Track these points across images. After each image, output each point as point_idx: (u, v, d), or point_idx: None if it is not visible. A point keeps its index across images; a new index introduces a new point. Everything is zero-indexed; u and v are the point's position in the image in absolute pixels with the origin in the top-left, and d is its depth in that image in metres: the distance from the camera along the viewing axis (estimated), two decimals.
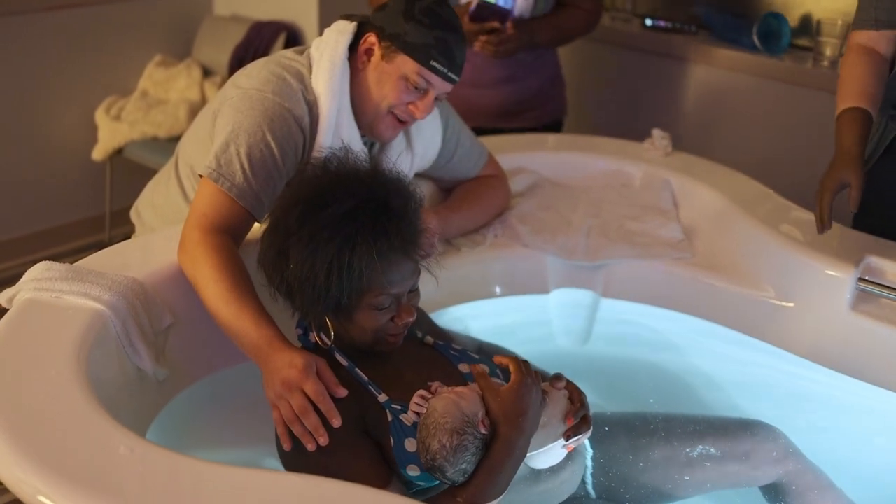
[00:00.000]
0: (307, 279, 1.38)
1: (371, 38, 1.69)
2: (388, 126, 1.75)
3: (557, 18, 2.58)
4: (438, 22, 1.64)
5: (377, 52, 1.69)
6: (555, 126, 2.78)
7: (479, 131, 2.23)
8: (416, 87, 1.68)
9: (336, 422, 1.37)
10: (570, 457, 1.50)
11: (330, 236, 1.35)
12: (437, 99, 1.72)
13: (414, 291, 1.47)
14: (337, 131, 1.72)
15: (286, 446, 1.39)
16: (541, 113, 2.72)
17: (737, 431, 1.66)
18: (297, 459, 1.39)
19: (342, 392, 1.41)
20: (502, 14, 2.43)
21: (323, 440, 1.36)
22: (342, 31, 1.73)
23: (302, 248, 1.37)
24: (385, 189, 1.41)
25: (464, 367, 1.54)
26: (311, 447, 1.37)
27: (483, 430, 1.35)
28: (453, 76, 1.68)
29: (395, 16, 1.66)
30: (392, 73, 1.68)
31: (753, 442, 1.64)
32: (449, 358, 1.56)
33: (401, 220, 1.39)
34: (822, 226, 1.73)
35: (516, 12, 2.49)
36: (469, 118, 2.59)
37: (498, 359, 1.44)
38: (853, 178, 1.73)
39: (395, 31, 1.66)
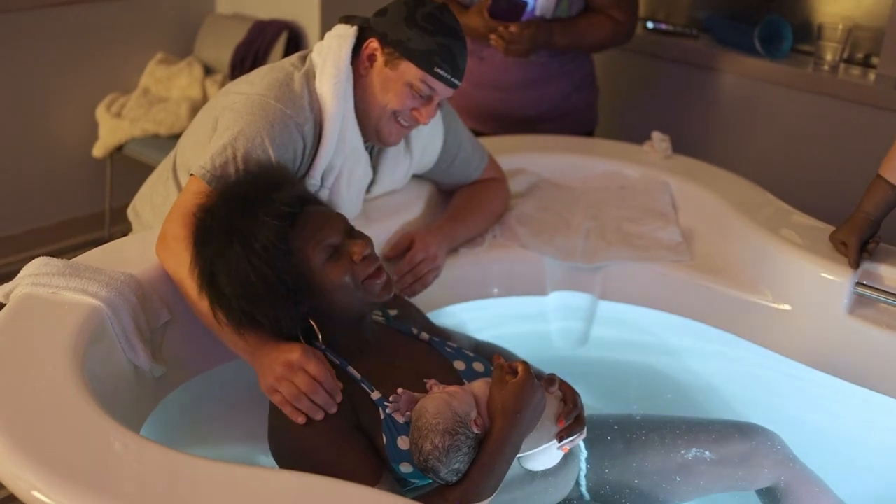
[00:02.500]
0: (248, 292, 1.40)
1: (373, 44, 1.69)
2: (391, 131, 1.74)
3: (580, 23, 2.45)
4: (441, 28, 1.64)
5: (380, 58, 1.68)
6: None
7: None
8: (419, 94, 1.68)
9: (339, 397, 1.40)
10: (564, 458, 1.50)
11: (228, 245, 1.40)
12: (438, 104, 1.72)
13: (354, 238, 1.49)
14: (342, 136, 1.72)
15: (300, 420, 1.40)
16: (566, 123, 2.61)
17: (732, 435, 1.66)
18: (288, 454, 1.40)
19: (337, 384, 1.42)
20: (520, 6, 2.35)
21: (333, 408, 1.39)
22: (343, 35, 1.72)
23: (225, 271, 1.41)
24: (244, 185, 1.49)
25: (459, 365, 1.55)
26: (320, 416, 1.39)
27: (475, 430, 1.35)
28: (456, 81, 1.68)
29: (397, 21, 1.65)
30: (396, 80, 1.67)
31: (749, 446, 1.64)
32: (444, 355, 1.56)
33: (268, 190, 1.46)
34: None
35: (537, 11, 2.41)
36: (489, 123, 2.58)
37: (500, 360, 1.44)
38: (851, 240, 1.80)
39: (397, 37, 1.65)
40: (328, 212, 1.51)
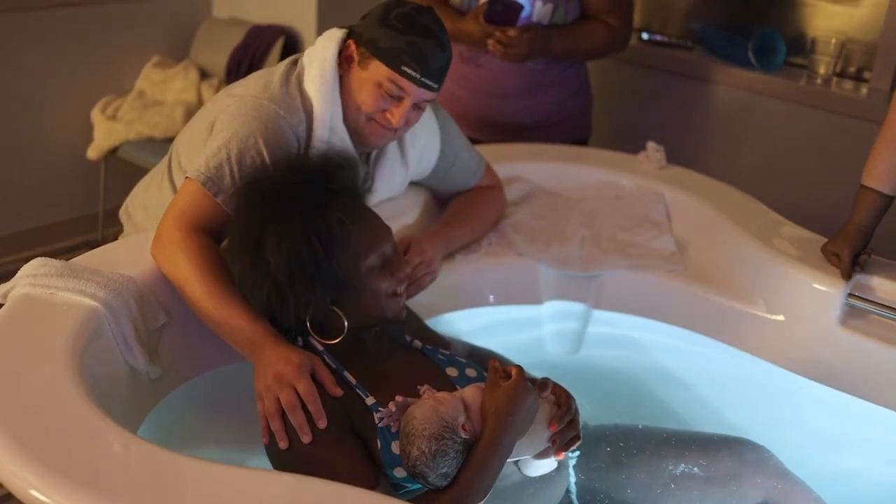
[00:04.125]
0: (293, 267, 1.41)
1: (351, 46, 1.69)
2: (372, 132, 1.73)
3: (577, 30, 2.48)
4: (413, 27, 1.62)
5: (355, 58, 1.68)
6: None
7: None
8: (390, 95, 1.66)
9: (322, 423, 1.39)
10: (557, 466, 1.51)
11: (291, 214, 1.42)
12: (417, 107, 1.70)
13: (398, 255, 1.55)
14: (330, 139, 1.72)
15: (264, 440, 1.41)
16: (561, 130, 2.63)
17: (722, 451, 1.66)
18: (283, 456, 1.40)
19: (338, 391, 1.43)
20: (515, 10, 2.36)
21: (307, 438, 1.38)
22: (331, 38, 1.73)
23: (276, 239, 1.41)
24: (322, 167, 1.53)
25: (451, 372, 1.55)
26: (283, 445, 1.39)
27: (463, 435, 1.36)
28: (428, 82, 1.65)
29: (372, 22, 1.66)
30: (367, 80, 1.67)
31: (739, 462, 1.64)
32: (437, 362, 1.57)
33: (344, 190, 1.51)
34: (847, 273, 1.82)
35: (535, 18, 2.43)
36: (485, 131, 2.59)
37: (495, 364, 1.45)
38: (843, 251, 1.81)
39: (369, 36, 1.65)
40: (382, 222, 1.55)
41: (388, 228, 1.54)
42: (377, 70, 1.65)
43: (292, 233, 1.42)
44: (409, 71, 1.63)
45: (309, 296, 1.44)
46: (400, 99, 1.66)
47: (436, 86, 1.66)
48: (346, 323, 1.49)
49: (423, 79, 1.64)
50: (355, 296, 1.48)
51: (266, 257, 1.42)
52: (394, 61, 1.62)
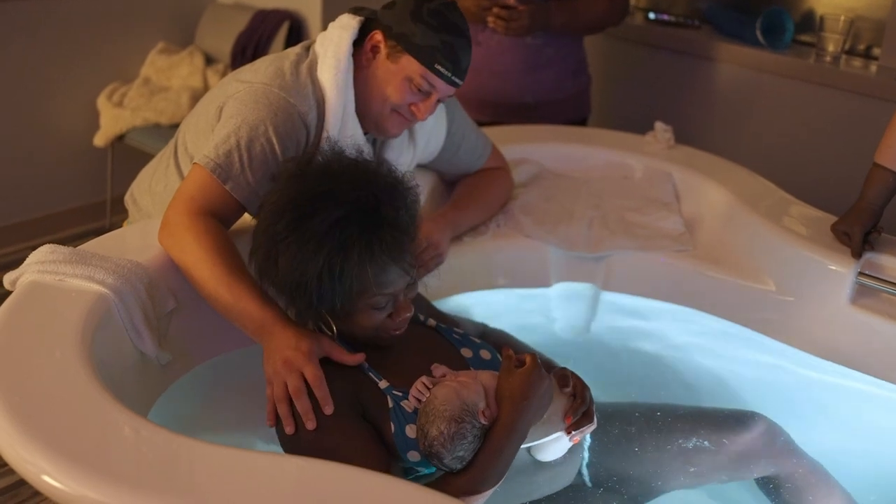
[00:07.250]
0: (298, 286, 1.39)
1: (377, 36, 1.68)
2: (394, 124, 1.74)
3: (576, 3, 2.51)
4: (446, 25, 1.64)
5: (383, 50, 1.68)
6: (577, 125, 2.68)
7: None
8: (419, 90, 1.67)
9: (328, 409, 1.38)
10: (571, 447, 1.51)
11: (318, 246, 1.35)
12: (439, 101, 1.71)
13: (410, 286, 1.47)
14: (343, 127, 1.72)
15: (269, 423, 1.41)
16: (561, 109, 2.64)
17: (732, 424, 1.66)
18: (294, 440, 1.40)
19: (355, 360, 1.44)
20: None
21: (311, 424, 1.37)
22: (346, 26, 1.73)
23: (291, 256, 1.37)
24: (375, 197, 1.39)
25: (466, 352, 1.55)
26: (289, 430, 1.38)
27: (483, 421, 1.36)
28: (457, 80, 1.67)
29: (403, 15, 1.65)
30: (397, 74, 1.67)
31: (749, 435, 1.65)
32: (452, 341, 1.57)
33: (391, 229, 1.39)
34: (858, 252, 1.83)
35: None
36: (487, 111, 2.59)
37: (509, 351, 1.45)
38: (853, 230, 1.82)
39: (401, 30, 1.65)
40: (400, 264, 1.43)
41: (404, 273, 1.42)
42: (409, 65, 1.65)
43: (310, 266, 1.36)
44: (441, 69, 1.64)
45: (305, 309, 1.43)
46: (428, 94, 1.68)
47: (461, 82, 1.69)
48: (334, 329, 1.47)
49: (453, 77, 1.66)
50: (347, 320, 1.45)
51: (278, 263, 1.39)
52: (428, 59, 1.64)
